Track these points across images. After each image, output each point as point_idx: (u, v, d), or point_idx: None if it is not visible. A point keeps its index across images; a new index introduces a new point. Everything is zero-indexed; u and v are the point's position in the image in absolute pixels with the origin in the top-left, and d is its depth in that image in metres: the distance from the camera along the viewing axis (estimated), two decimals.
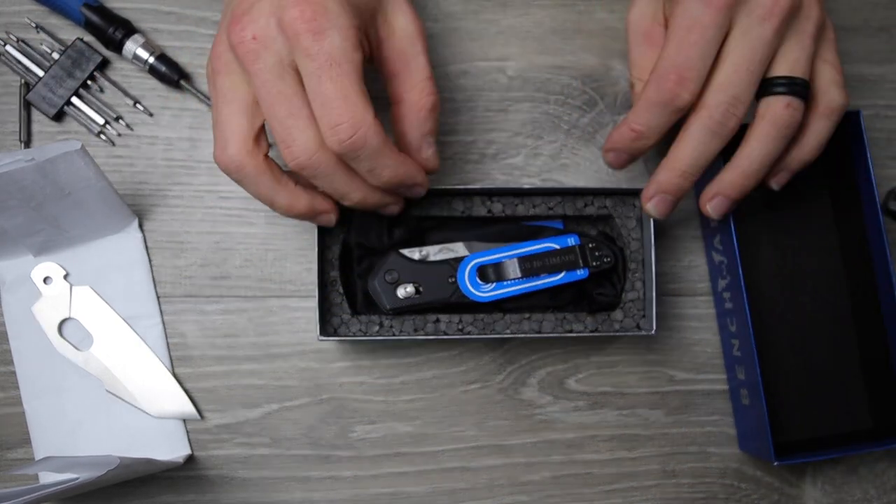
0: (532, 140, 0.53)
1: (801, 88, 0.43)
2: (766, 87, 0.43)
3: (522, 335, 0.48)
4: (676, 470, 0.53)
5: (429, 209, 0.48)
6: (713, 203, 0.45)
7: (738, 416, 0.52)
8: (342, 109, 0.37)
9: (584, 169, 0.53)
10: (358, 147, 0.38)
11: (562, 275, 0.48)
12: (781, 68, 0.43)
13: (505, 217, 0.49)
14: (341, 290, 0.48)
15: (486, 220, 0.49)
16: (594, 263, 0.48)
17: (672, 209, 0.46)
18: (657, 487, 0.53)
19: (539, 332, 0.48)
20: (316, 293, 0.46)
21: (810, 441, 0.52)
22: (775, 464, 0.47)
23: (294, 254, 0.51)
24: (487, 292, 0.47)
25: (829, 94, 0.44)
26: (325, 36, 0.37)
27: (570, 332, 0.48)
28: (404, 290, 0.46)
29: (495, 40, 0.53)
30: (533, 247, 0.48)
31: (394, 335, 0.48)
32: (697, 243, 0.54)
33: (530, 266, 0.47)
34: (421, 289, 0.47)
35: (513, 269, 0.47)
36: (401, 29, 0.41)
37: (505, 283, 0.47)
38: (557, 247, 0.48)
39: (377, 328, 0.48)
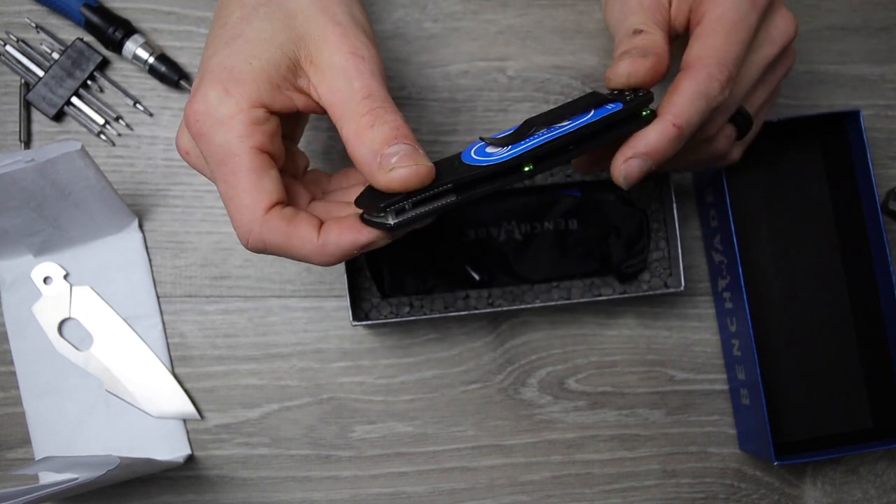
0: None
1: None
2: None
3: (553, 303, 0.47)
4: (676, 470, 0.53)
5: None
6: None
7: (738, 416, 0.52)
8: (233, 211, 0.35)
9: None
10: (259, 249, 0.35)
11: (591, 112, 0.37)
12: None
13: (525, 188, 0.48)
14: (368, 273, 0.48)
15: (504, 192, 0.49)
16: (629, 96, 0.38)
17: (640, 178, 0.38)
18: (657, 487, 0.53)
19: (569, 299, 0.48)
20: (345, 279, 0.46)
21: (810, 441, 0.52)
22: (775, 464, 0.47)
23: None
24: (500, 155, 0.36)
25: None
26: (206, 138, 0.35)
27: (599, 296, 0.48)
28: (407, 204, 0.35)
29: (495, 40, 0.53)
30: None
31: (424, 314, 0.48)
32: (697, 243, 0.54)
33: (550, 118, 0.37)
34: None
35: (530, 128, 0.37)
36: (331, 68, 0.35)
37: (521, 141, 0.36)
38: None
39: (408, 309, 0.48)
